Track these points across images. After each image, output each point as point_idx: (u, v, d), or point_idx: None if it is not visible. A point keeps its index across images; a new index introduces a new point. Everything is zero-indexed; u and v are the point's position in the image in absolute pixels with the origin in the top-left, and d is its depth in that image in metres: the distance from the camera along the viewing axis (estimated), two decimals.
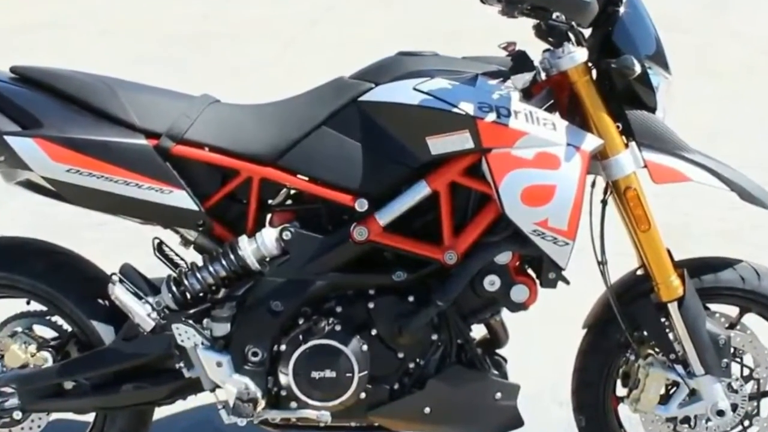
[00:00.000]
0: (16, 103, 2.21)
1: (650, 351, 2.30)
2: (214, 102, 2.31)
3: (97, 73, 2.31)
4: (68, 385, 2.34)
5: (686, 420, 2.31)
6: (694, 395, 2.29)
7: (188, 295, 2.24)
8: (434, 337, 2.26)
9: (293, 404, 2.28)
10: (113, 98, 2.25)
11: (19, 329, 2.34)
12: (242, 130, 2.27)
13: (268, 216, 2.30)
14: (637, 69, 2.09)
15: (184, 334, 2.22)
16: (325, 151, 2.21)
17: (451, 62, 2.24)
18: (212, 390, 2.29)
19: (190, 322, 2.24)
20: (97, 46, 6.28)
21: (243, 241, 2.20)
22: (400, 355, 2.28)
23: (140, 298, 2.24)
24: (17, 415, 2.34)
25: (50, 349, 2.35)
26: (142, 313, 2.21)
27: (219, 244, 2.26)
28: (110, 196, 2.23)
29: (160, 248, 2.33)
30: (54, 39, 6.36)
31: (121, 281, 2.24)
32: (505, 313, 2.29)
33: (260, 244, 2.19)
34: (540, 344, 2.99)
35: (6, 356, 2.34)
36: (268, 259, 2.21)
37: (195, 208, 2.23)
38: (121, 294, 2.23)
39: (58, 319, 2.38)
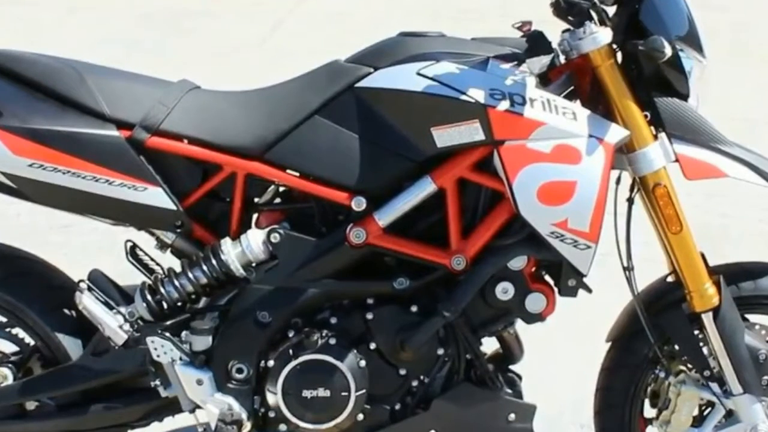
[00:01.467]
0: None
1: (682, 367, 2.32)
2: (194, 89, 2.36)
3: (64, 57, 2.34)
4: (30, 405, 2.39)
5: None
6: (731, 417, 2.30)
7: (165, 305, 2.28)
8: (440, 351, 2.30)
9: (282, 426, 2.33)
10: (81, 84, 2.29)
11: None
12: (225, 120, 2.31)
13: (254, 216, 2.33)
14: (668, 51, 2.11)
15: (161, 349, 2.27)
16: (318, 143, 2.25)
17: (459, 44, 2.28)
18: (191, 411, 2.32)
19: (167, 334, 2.28)
20: (65, 25, 6.32)
21: (226, 244, 2.24)
22: (402, 372, 2.32)
23: (111, 308, 2.28)
24: None
25: (10, 365, 2.39)
26: (113, 324, 2.25)
27: (199, 247, 2.30)
28: (78, 194, 2.26)
29: (133, 252, 2.36)
30: (18, 17, 6.40)
31: (89, 289, 2.28)
32: (520, 325, 2.32)
33: (245, 248, 2.23)
34: (559, 360, 3.03)
35: None
36: (254, 265, 2.25)
37: (172, 207, 2.26)
38: (89, 304, 2.27)
39: (19, 332, 2.41)
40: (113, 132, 2.26)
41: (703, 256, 2.28)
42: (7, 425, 2.37)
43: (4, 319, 2.39)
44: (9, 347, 2.43)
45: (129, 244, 2.34)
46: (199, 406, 2.32)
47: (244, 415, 2.31)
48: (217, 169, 2.30)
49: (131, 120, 2.26)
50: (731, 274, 2.30)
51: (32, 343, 2.39)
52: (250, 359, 2.29)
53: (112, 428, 2.43)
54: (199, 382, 2.30)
